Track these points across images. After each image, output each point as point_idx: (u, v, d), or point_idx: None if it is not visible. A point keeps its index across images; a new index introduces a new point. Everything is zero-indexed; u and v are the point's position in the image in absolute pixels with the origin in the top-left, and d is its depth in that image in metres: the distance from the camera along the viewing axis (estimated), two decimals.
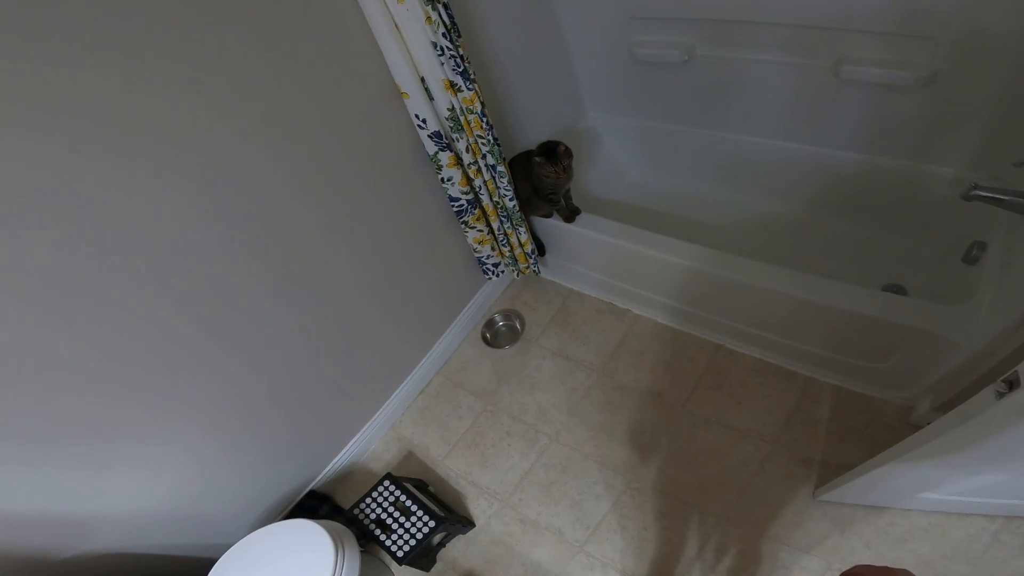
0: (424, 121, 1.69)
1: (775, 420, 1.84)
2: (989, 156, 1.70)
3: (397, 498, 1.78)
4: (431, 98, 1.64)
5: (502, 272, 2.30)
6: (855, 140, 1.92)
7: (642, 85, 2.28)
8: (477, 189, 1.91)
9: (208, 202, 1.32)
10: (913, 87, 1.67)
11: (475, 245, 2.14)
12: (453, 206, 1.97)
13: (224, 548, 1.52)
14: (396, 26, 1.47)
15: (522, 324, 2.36)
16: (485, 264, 2.24)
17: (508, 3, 1.95)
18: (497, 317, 2.41)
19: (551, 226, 2.15)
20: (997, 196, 1.49)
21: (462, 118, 1.66)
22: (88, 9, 1.01)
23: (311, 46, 1.40)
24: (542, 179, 1.92)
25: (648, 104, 2.36)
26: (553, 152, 1.86)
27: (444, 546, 1.85)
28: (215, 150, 1.29)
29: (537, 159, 1.86)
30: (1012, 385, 0.84)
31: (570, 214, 2.09)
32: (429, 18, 1.42)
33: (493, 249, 2.18)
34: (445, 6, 1.44)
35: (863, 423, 1.77)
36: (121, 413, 1.33)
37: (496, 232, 2.09)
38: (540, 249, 2.29)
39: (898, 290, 1.93)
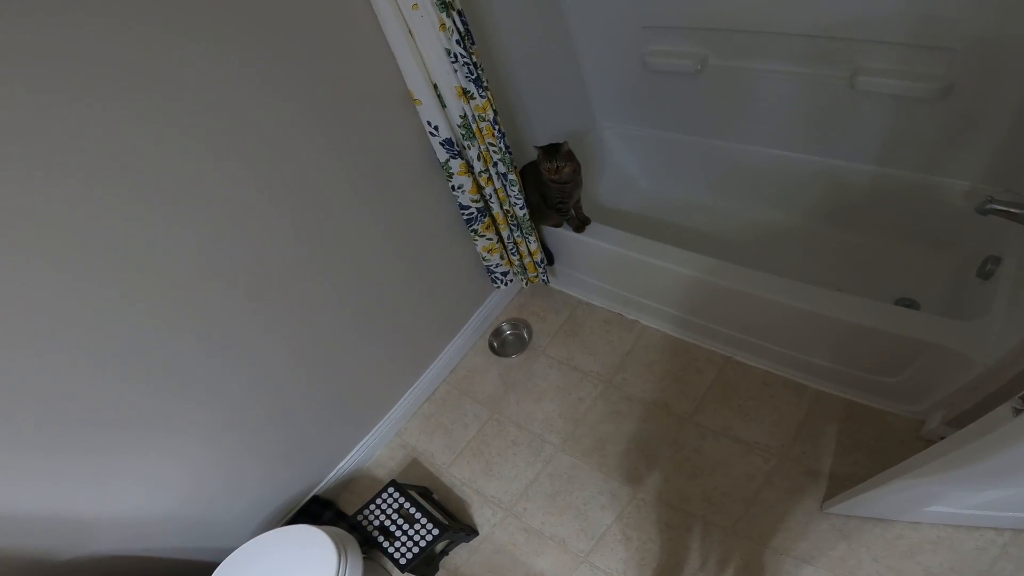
0: (436, 128, 1.69)
1: (783, 433, 1.83)
2: (1005, 169, 1.69)
3: (401, 505, 1.77)
4: (443, 105, 1.64)
5: (511, 281, 2.30)
6: (869, 152, 1.91)
7: (654, 94, 2.28)
8: (487, 197, 1.91)
9: (215, 214, 1.33)
10: (929, 99, 1.66)
11: (484, 254, 2.13)
12: (463, 214, 1.97)
13: (226, 552, 1.51)
14: (410, 32, 1.48)
15: (529, 333, 2.35)
16: (494, 273, 2.24)
17: (520, 11, 1.95)
18: (505, 326, 2.41)
19: (560, 236, 2.15)
20: (1013, 210, 1.48)
21: (474, 125, 1.67)
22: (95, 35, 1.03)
23: (324, 50, 1.41)
24: (549, 185, 1.92)
25: (660, 114, 2.36)
26: (555, 149, 1.85)
27: (447, 554, 1.84)
28: (219, 161, 1.29)
29: (538, 149, 1.86)
30: None
31: (580, 224, 2.09)
32: (443, 25, 1.43)
33: (502, 258, 2.18)
34: (460, 13, 1.45)
35: (873, 436, 1.75)
36: (125, 424, 1.34)
37: (506, 241, 2.09)
38: (549, 258, 2.28)
39: (911, 304, 1.91)
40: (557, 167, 1.85)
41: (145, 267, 1.24)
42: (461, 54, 1.49)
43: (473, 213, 1.95)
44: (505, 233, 2.05)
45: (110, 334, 1.23)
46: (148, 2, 1.08)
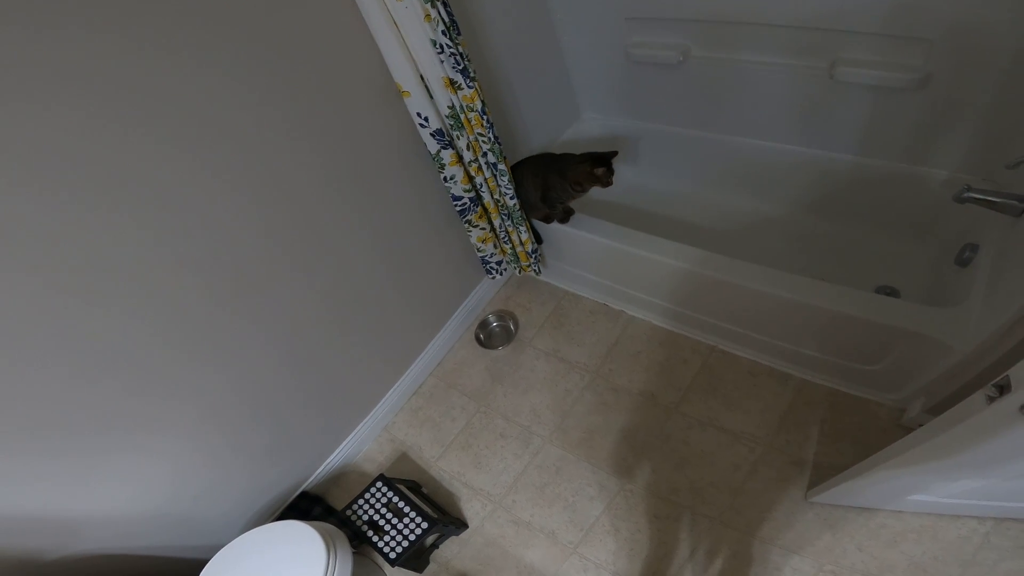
0: (426, 119, 1.68)
1: (768, 422, 1.85)
2: (982, 158, 1.71)
3: (390, 499, 1.78)
4: (431, 96, 1.63)
5: (505, 270, 2.30)
6: (849, 142, 1.93)
7: (637, 86, 2.28)
8: (478, 187, 1.90)
9: (192, 213, 1.31)
10: (908, 89, 1.67)
11: (479, 244, 2.13)
12: (456, 205, 1.96)
13: (215, 549, 1.51)
14: (395, 24, 1.46)
15: (516, 325, 2.36)
16: (488, 263, 2.24)
17: (504, 2, 1.94)
18: (491, 318, 2.41)
19: (546, 226, 2.15)
20: (990, 198, 1.50)
21: (462, 116, 1.66)
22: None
23: (303, 44, 1.39)
24: (564, 188, 1.92)
25: (643, 105, 2.37)
26: (610, 161, 1.86)
27: (437, 547, 1.85)
28: (194, 159, 1.27)
29: (597, 171, 1.84)
30: (1003, 390, 0.84)
31: (564, 215, 2.09)
32: (428, 15, 1.42)
33: (496, 247, 2.18)
34: (444, 4, 1.43)
35: (855, 425, 1.77)
36: (107, 425, 1.33)
37: (498, 230, 2.09)
38: (537, 238, 2.27)
39: (890, 292, 1.93)
40: (607, 174, 1.86)
41: (121, 268, 1.22)
42: (447, 44, 1.48)
43: (466, 203, 1.94)
44: (497, 222, 2.04)
45: (88, 336, 1.21)
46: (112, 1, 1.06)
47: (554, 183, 1.94)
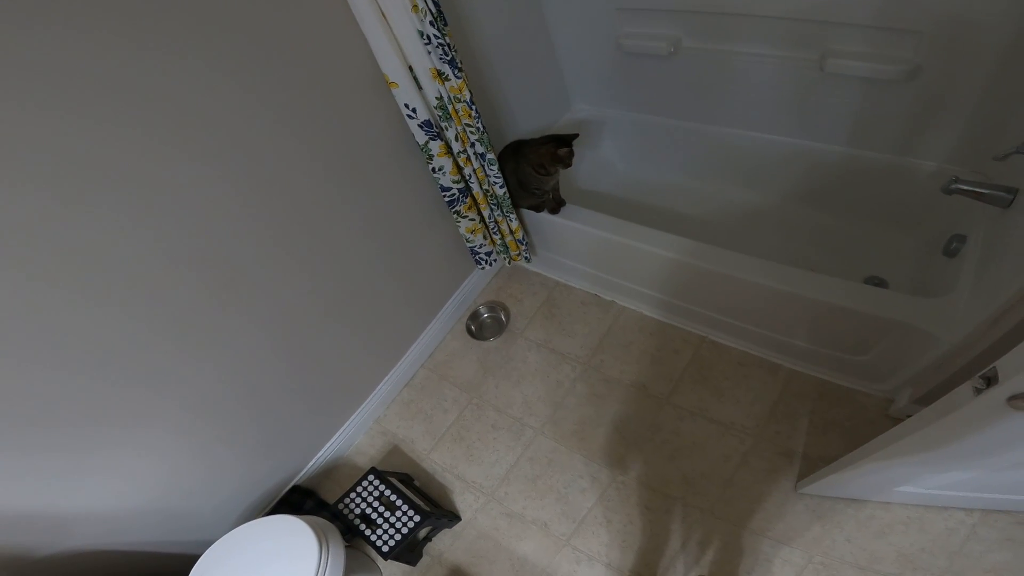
0: (414, 110, 1.67)
1: (758, 413, 1.86)
2: (970, 150, 1.71)
3: (382, 493, 1.78)
4: (419, 87, 1.62)
5: (494, 261, 2.30)
6: (839, 133, 1.93)
7: (629, 77, 2.27)
8: (467, 177, 1.90)
9: (179, 205, 1.29)
10: (897, 81, 1.67)
11: (467, 235, 2.13)
12: (444, 196, 1.95)
13: (206, 544, 1.51)
14: (383, 15, 1.45)
15: (507, 316, 2.36)
16: (478, 254, 2.23)
17: None
18: (482, 309, 2.41)
19: (537, 217, 2.14)
20: (977, 189, 1.51)
21: (450, 107, 1.65)
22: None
23: (291, 35, 1.37)
24: (530, 173, 1.91)
25: (635, 96, 2.36)
26: (571, 142, 1.86)
27: (430, 540, 1.85)
28: (180, 152, 1.25)
29: (560, 151, 1.84)
30: (990, 381, 0.84)
31: (556, 205, 2.09)
32: (416, 6, 1.40)
33: (485, 238, 2.18)
34: None
35: (844, 416, 1.79)
36: (96, 420, 1.32)
37: (487, 220, 2.08)
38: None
39: (879, 283, 1.94)
40: (569, 155, 1.86)
41: (110, 260, 1.21)
42: (435, 35, 1.47)
43: (455, 194, 1.94)
44: (486, 213, 2.04)
45: (76, 330, 1.20)
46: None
47: (522, 168, 1.94)
